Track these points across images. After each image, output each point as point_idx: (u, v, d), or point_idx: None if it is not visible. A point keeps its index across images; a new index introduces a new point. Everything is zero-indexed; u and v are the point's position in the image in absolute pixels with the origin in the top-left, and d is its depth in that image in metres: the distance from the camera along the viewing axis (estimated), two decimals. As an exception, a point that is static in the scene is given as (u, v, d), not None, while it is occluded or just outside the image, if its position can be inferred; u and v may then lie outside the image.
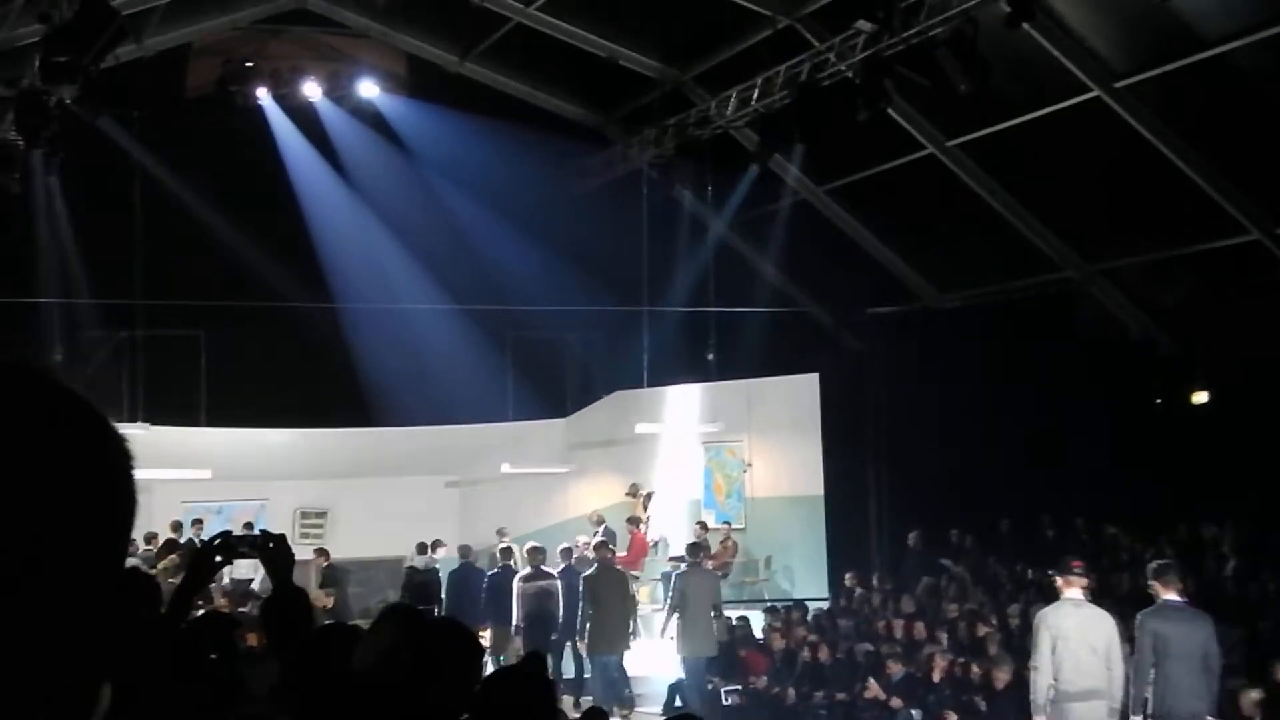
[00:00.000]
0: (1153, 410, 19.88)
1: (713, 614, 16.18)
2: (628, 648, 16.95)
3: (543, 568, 17.72)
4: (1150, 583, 10.86)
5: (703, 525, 21.40)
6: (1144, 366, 19.54)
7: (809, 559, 21.16)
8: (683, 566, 17.05)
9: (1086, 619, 10.72)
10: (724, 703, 16.72)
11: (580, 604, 16.63)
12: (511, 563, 18.66)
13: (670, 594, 16.63)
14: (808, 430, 21.03)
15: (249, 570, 18.74)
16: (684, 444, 22.63)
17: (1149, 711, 10.38)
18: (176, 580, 18.05)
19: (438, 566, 20.19)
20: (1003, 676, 14.24)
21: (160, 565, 18.40)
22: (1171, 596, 10.58)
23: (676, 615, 16.00)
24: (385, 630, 3.88)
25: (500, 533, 21.00)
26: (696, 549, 17.28)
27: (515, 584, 17.65)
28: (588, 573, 16.98)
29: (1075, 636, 10.55)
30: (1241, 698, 11.91)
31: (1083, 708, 10.53)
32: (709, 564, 18.54)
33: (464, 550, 19.93)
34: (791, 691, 16.20)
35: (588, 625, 16.45)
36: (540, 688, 4.07)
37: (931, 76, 15.43)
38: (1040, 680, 10.67)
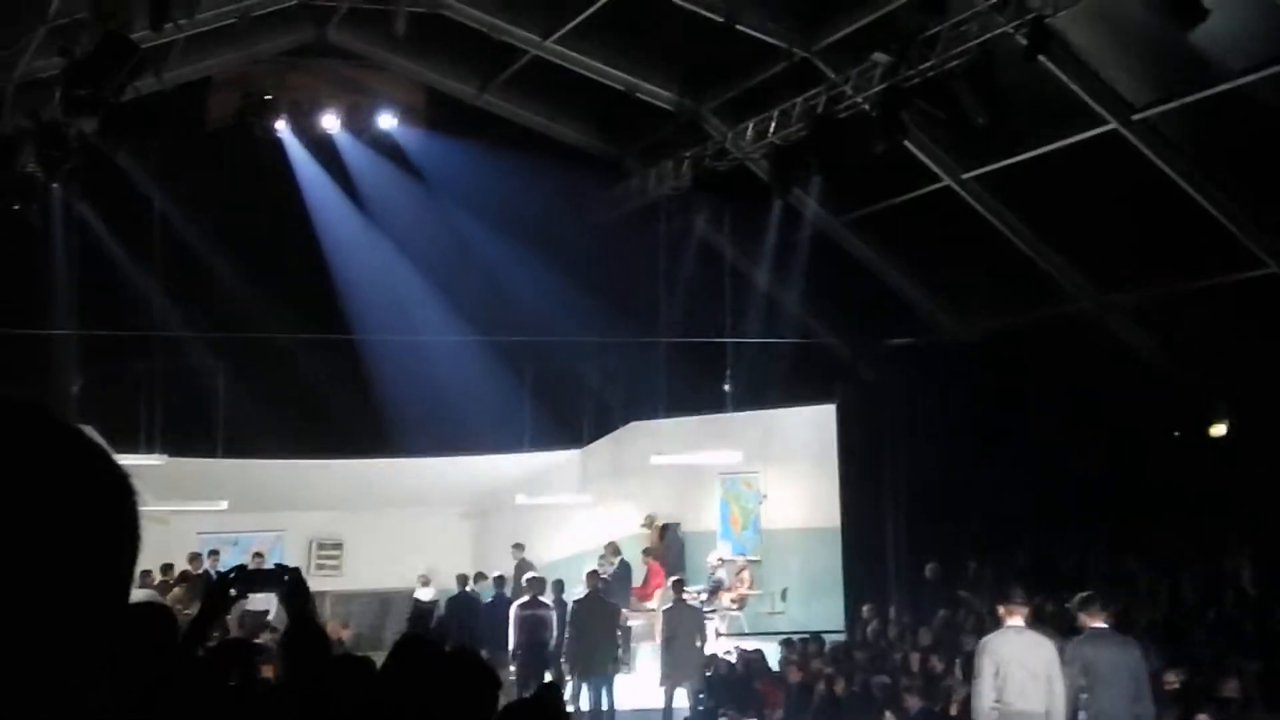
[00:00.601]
0: (1171, 442, 19.82)
1: (698, 643, 16.80)
2: (611, 674, 17.24)
3: (540, 598, 18.18)
4: (1077, 614, 11.63)
5: (720, 559, 21.38)
6: (1161, 398, 19.48)
7: (825, 591, 21.06)
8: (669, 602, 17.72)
9: (1027, 645, 11.23)
10: (738, 735, 16.66)
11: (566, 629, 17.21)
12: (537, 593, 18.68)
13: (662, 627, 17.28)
14: (824, 461, 20.98)
15: (264, 601, 18.75)
16: (700, 475, 22.61)
17: None
18: (190, 611, 18.14)
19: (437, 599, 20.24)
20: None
21: (170, 595, 18.44)
22: (1098, 624, 11.33)
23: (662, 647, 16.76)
24: (401, 663, 3.90)
25: (517, 547, 21.20)
26: (679, 584, 17.89)
27: (512, 612, 17.97)
28: (576, 598, 17.48)
29: (1015, 661, 11.05)
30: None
31: None
32: (725, 596, 18.67)
33: (462, 579, 19.98)
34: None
35: (572, 650, 16.98)
36: (555, 718, 4.06)
37: (948, 109, 15.47)
38: (981, 704, 11.22)
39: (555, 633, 17.76)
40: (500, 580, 19.57)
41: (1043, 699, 10.93)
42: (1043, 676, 10.99)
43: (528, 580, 18.63)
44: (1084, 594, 12.02)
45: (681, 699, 17.17)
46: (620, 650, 17.93)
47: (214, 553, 20.21)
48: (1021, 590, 11.87)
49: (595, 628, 17.04)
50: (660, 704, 17.18)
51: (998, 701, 11.02)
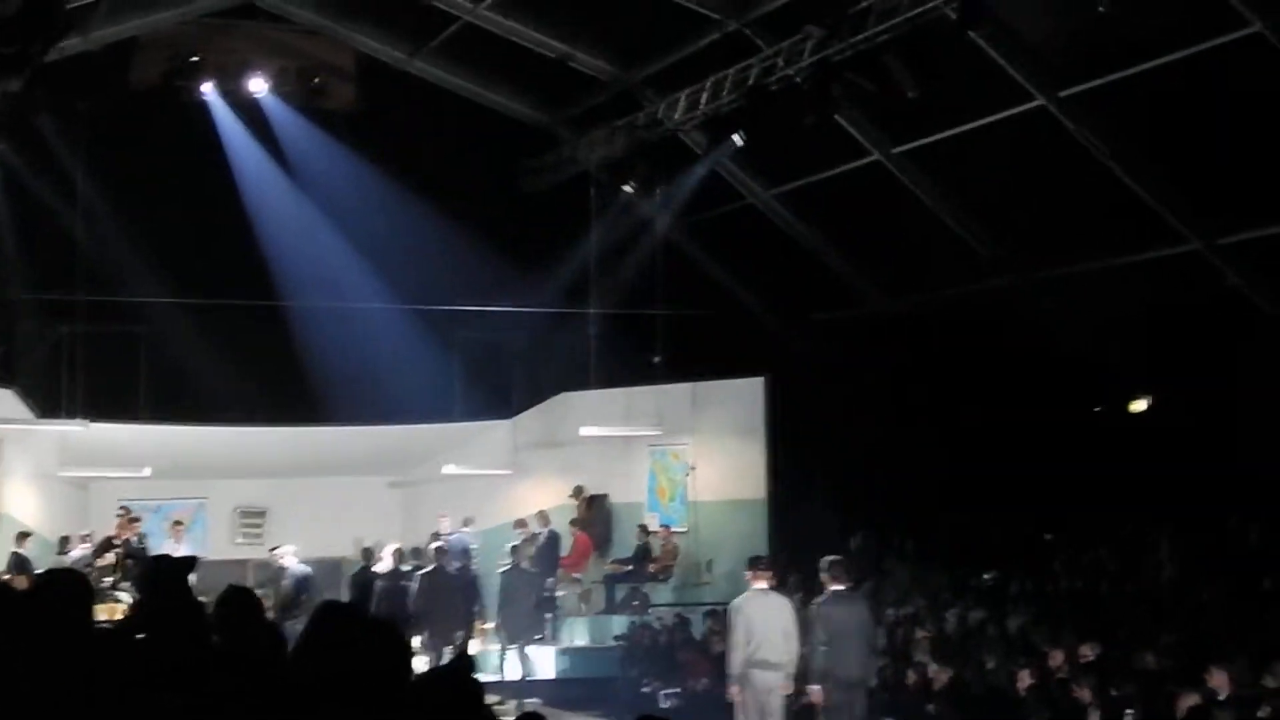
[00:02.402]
0: (1092, 418, 20.08)
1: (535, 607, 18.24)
2: (529, 641, 18.28)
3: (401, 568, 19.00)
4: (821, 575, 13.19)
5: (644, 528, 21.43)
6: (1084, 374, 19.71)
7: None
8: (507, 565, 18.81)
9: (770, 605, 12.93)
10: (662, 705, 16.76)
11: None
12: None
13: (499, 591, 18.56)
14: (752, 434, 21.04)
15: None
16: (629, 446, 22.63)
17: (824, 677, 12.69)
18: (112, 580, 17.95)
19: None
20: (939, 680, 14.34)
21: (98, 563, 18.23)
22: (838, 586, 12.99)
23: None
24: (319, 630, 3.88)
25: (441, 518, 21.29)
26: (515, 550, 18.91)
27: (417, 580, 18.49)
28: (504, 569, 18.42)
29: (761, 620, 12.75)
30: (1179, 700, 12.02)
31: (766, 675, 12.72)
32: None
33: (366, 554, 19.95)
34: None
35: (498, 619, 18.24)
36: (468, 686, 4.06)
37: (879, 82, 15.53)
38: (735, 656, 12.84)
39: (467, 601, 18.32)
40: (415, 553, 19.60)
41: (783, 651, 12.69)
42: (781, 632, 12.72)
43: (393, 551, 19.27)
44: (830, 559, 13.28)
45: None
46: (543, 620, 18.54)
47: (135, 519, 19.96)
48: (764, 559, 13.69)
49: (519, 600, 17.79)
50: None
51: (746, 655, 12.65)
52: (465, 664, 11.71)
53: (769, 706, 12.82)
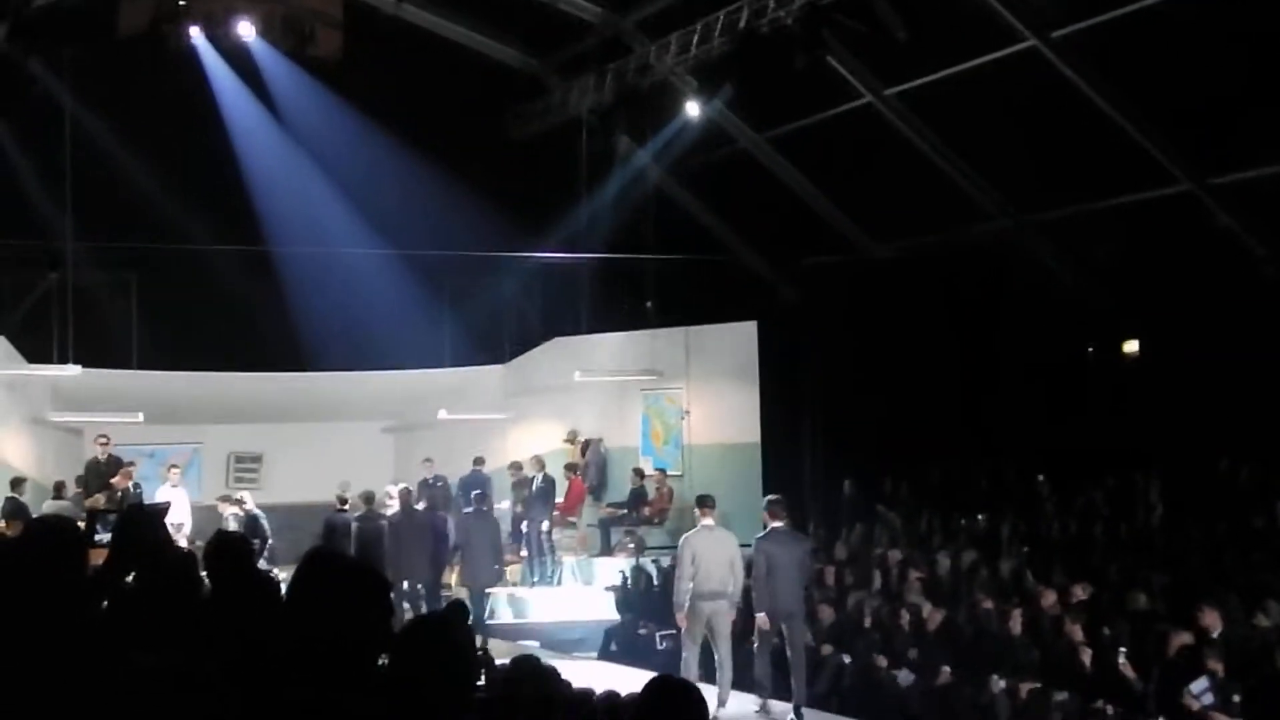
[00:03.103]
0: (1084, 360, 20.12)
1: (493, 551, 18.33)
2: (492, 585, 18.39)
3: (374, 509, 19.09)
4: (763, 513, 14.03)
5: (638, 472, 21.50)
6: (1076, 317, 19.73)
7: (745, 506, 21.18)
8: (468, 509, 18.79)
9: (716, 540, 13.75)
10: (658, 647, 16.87)
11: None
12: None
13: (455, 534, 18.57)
14: (745, 378, 21.09)
15: (180, 513, 18.66)
16: (622, 391, 22.67)
17: (763, 608, 13.57)
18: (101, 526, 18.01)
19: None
20: (932, 621, 14.44)
21: (88, 504, 18.31)
22: (778, 524, 13.75)
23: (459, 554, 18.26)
24: (308, 576, 3.90)
25: (427, 461, 21.45)
26: (483, 498, 18.83)
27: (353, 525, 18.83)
28: (466, 512, 18.55)
29: (707, 553, 13.58)
30: (1171, 639, 12.12)
31: (711, 605, 13.52)
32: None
33: (340, 497, 20.05)
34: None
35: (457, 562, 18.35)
36: (457, 632, 4.09)
37: (869, 23, 15.46)
38: (681, 586, 13.70)
39: (437, 544, 18.55)
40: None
41: (726, 581, 13.53)
42: (726, 564, 13.56)
43: (362, 495, 19.46)
44: (770, 498, 14.35)
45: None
46: (502, 565, 18.79)
47: (130, 464, 20.02)
48: (710, 498, 14.34)
49: (480, 542, 17.96)
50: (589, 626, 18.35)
51: (693, 585, 13.51)
52: (456, 611, 11.77)
53: (717, 630, 13.65)
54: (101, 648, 3.78)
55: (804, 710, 13.42)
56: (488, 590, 18.25)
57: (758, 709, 13.64)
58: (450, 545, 18.44)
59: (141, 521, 4.68)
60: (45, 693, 3.57)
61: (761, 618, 13.62)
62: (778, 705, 13.60)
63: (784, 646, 13.73)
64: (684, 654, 13.81)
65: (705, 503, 14.24)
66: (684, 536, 14.31)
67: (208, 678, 3.24)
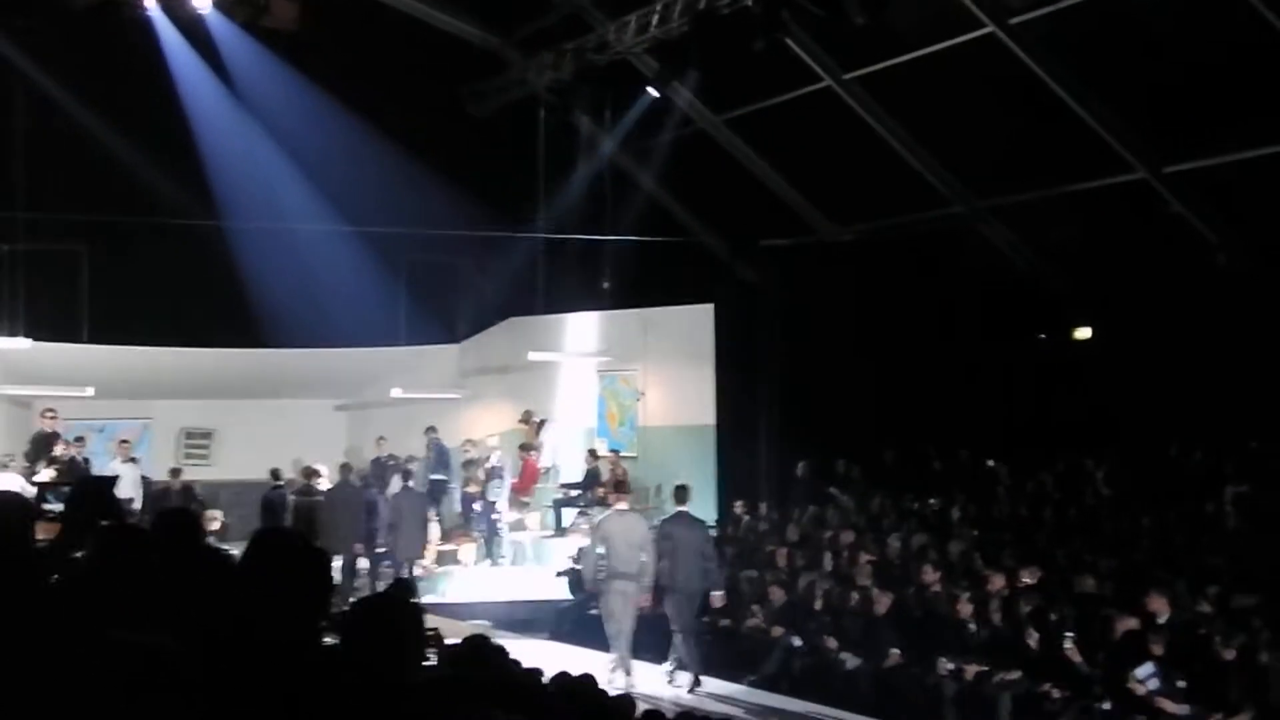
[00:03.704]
0: (1036, 345, 20.23)
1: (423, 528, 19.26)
2: (418, 558, 19.06)
3: (313, 484, 19.65)
4: (672, 498, 15.38)
5: (593, 453, 21.49)
6: (1029, 302, 19.84)
7: (699, 488, 21.21)
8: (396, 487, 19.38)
9: (627, 523, 14.68)
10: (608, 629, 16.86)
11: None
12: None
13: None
14: (701, 360, 21.10)
15: (128, 489, 18.53)
16: (578, 372, 22.63)
17: (668, 586, 14.54)
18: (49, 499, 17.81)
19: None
20: (881, 604, 14.50)
21: (35, 479, 18.12)
22: (680, 508, 15.00)
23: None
24: (257, 555, 3.89)
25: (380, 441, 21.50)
26: (408, 475, 20.00)
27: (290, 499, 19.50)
28: (394, 491, 19.11)
29: (618, 535, 14.51)
30: (1117, 623, 12.23)
31: (621, 584, 14.44)
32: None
33: (274, 474, 20.26)
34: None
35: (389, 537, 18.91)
36: (405, 611, 4.07)
37: (827, 7, 15.44)
38: (589, 565, 15.08)
39: (369, 519, 18.99)
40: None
41: (636, 563, 14.39)
42: (637, 546, 14.43)
43: (303, 470, 20.01)
44: (676, 484, 15.55)
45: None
46: (425, 541, 19.47)
47: (79, 439, 19.86)
48: (625, 484, 16.10)
49: (411, 520, 18.73)
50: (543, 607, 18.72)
51: (603, 563, 14.55)
52: (404, 588, 11.72)
53: (621, 608, 14.57)
54: (60, 622, 3.74)
55: (701, 678, 14.56)
56: (414, 561, 18.85)
57: (668, 678, 14.77)
58: (382, 520, 18.86)
59: (94, 494, 4.65)
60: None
61: (645, 595, 14.53)
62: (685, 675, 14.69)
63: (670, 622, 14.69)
64: (607, 630, 14.76)
65: (619, 490, 15.62)
66: (597, 520, 15.38)
67: (190, 658, 3.20)
